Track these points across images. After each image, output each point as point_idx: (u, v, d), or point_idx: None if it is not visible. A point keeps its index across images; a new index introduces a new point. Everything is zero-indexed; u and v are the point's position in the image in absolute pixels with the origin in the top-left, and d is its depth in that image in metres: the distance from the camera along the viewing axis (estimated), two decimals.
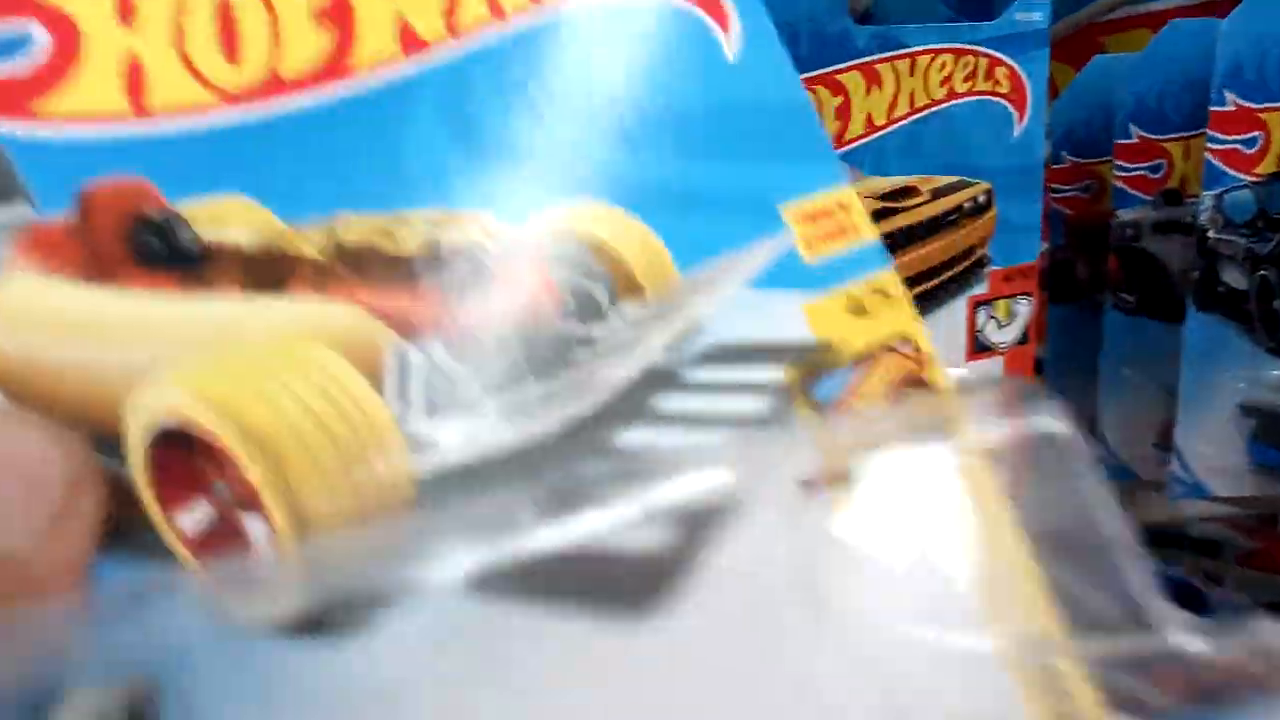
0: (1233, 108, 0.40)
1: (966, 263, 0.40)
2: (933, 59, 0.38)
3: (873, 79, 0.38)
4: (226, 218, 0.15)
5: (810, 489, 0.15)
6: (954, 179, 0.39)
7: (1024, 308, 0.40)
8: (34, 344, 0.14)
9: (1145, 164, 0.47)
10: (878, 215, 0.39)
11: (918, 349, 0.19)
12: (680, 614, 0.14)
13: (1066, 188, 0.52)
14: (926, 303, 0.40)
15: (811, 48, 0.38)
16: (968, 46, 0.38)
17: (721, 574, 0.14)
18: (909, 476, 0.15)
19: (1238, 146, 0.40)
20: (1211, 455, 0.42)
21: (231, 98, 0.16)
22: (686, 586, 0.14)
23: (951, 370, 0.39)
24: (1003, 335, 0.40)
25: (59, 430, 0.13)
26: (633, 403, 0.16)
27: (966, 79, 0.38)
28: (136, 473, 0.14)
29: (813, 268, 0.19)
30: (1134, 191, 0.47)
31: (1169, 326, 0.47)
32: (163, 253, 0.15)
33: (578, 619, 0.13)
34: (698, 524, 0.14)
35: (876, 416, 0.17)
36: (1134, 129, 0.46)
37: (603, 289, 0.17)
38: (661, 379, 0.17)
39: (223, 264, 0.15)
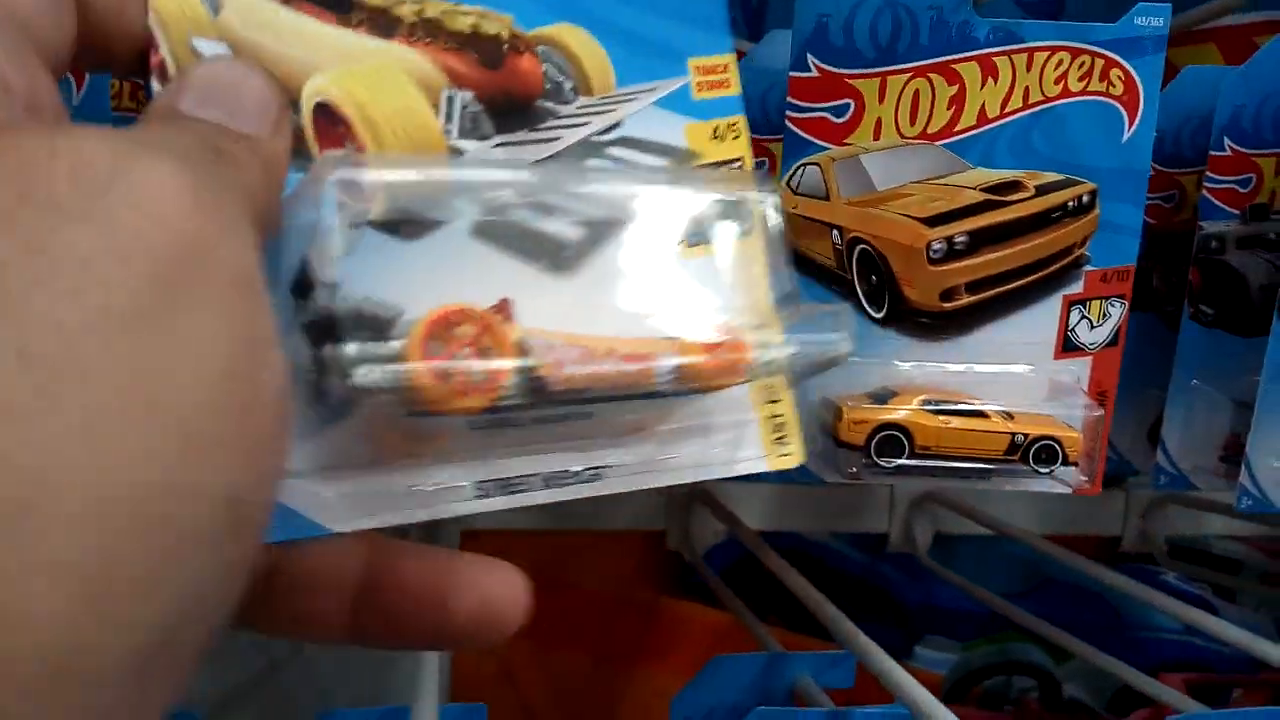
0: None
1: (1065, 261, 0.40)
2: (1050, 55, 0.38)
3: (990, 71, 0.38)
4: None
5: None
6: (1060, 176, 0.39)
7: (1117, 310, 0.40)
8: (253, 39, 0.23)
9: (1235, 177, 0.47)
10: (981, 207, 0.39)
11: (744, 165, 0.28)
12: (588, 270, 0.24)
13: (1149, 196, 0.52)
14: (1022, 297, 0.40)
15: (933, 37, 0.38)
16: (1086, 46, 0.38)
17: (613, 254, 0.25)
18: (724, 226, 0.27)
19: None
20: None
21: None
22: (592, 258, 0.24)
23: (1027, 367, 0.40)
24: (1094, 336, 0.41)
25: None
26: (573, 157, 0.26)
27: (1081, 78, 0.38)
28: (306, 124, 0.23)
29: (696, 102, 0.28)
30: (1221, 204, 0.47)
31: (1245, 341, 0.48)
32: None
33: (531, 266, 0.24)
34: (601, 227, 0.25)
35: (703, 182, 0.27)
36: (1228, 142, 0.46)
37: (569, 82, 0.26)
38: (591, 149, 0.26)
39: (359, 13, 0.24)
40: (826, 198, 0.40)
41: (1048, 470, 0.38)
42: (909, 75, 0.38)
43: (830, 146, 0.39)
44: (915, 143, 0.39)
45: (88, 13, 0.20)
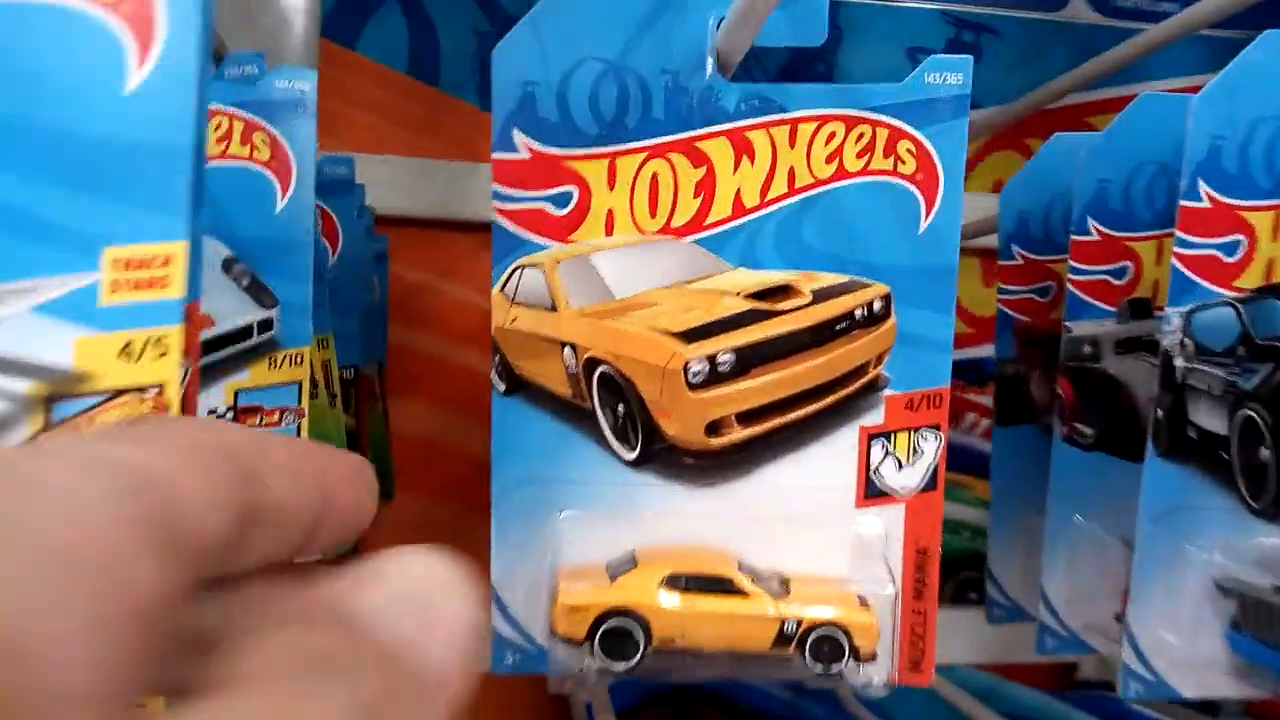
0: (1208, 203, 0.32)
1: (856, 384, 0.31)
2: (819, 127, 0.30)
3: (744, 149, 0.30)
4: None
5: None
6: (843, 278, 0.31)
7: (932, 444, 0.32)
8: None
9: (1107, 266, 0.38)
10: (747, 318, 0.31)
11: (160, 395, 0.21)
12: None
13: (1017, 289, 0.44)
14: (810, 431, 0.31)
15: (670, 108, 0.30)
16: (863, 114, 0.30)
17: None
18: None
19: (1214, 253, 0.32)
20: (1178, 646, 0.33)
21: None
22: None
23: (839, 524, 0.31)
24: (905, 478, 0.32)
25: None
26: None
27: (861, 154, 0.30)
28: None
29: (105, 309, 0.21)
30: (1093, 300, 0.38)
31: (1135, 467, 0.38)
32: None
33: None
34: None
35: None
36: (1093, 223, 0.38)
37: None
38: None
39: None
40: (553, 308, 0.31)
41: (831, 669, 0.29)
42: (644, 155, 0.30)
43: (553, 244, 0.31)
44: (659, 238, 0.31)
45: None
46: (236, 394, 0.35)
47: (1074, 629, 0.39)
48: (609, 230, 0.31)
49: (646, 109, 0.30)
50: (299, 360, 0.35)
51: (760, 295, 0.31)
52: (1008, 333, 0.44)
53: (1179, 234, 0.32)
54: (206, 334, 0.35)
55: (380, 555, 0.16)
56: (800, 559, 0.31)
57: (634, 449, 0.31)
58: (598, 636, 0.29)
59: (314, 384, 0.45)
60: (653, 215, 0.31)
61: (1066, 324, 0.39)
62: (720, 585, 0.29)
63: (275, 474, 0.16)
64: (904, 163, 0.30)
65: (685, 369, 0.31)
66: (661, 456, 0.31)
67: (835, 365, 0.31)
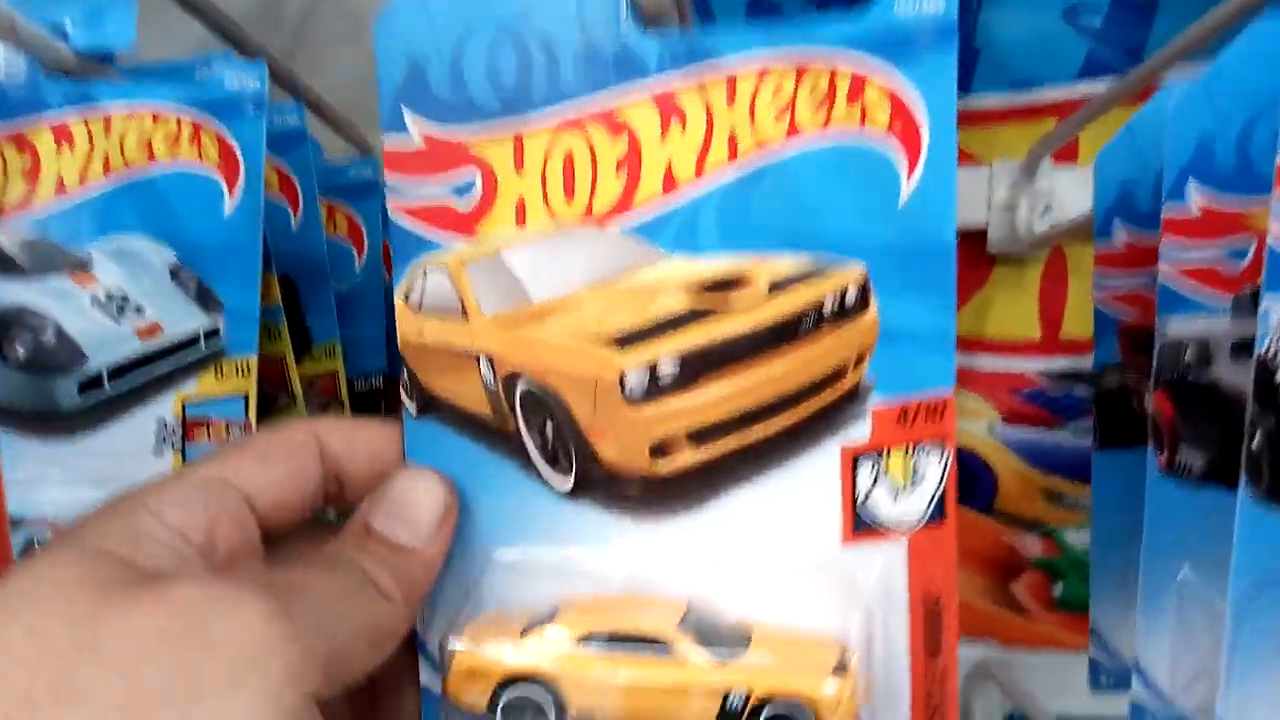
0: None
1: (832, 392, 0.25)
2: (761, 79, 0.24)
3: (672, 112, 0.25)
4: None
5: None
6: (806, 262, 0.25)
7: (935, 465, 0.24)
8: None
9: (1214, 245, 0.29)
10: (689, 318, 0.25)
11: None
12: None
13: (1120, 275, 0.35)
14: (775, 452, 0.25)
15: (579, 70, 0.25)
16: (816, 56, 0.24)
17: None
18: None
19: None
20: None
21: None
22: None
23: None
24: (902, 509, 0.25)
25: None
26: None
27: (817, 107, 0.24)
28: None
29: None
30: (1197, 290, 0.30)
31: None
32: None
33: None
34: None
35: None
36: (1194, 190, 0.29)
37: None
38: None
39: None
40: (464, 316, 0.27)
41: None
42: (554, 129, 0.25)
43: (459, 241, 0.26)
44: (579, 227, 0.26)
45: (345, 491, 0.26)
46: (184, 405, 0.32)
47: (1183, 711, 0.30)
48: (520, 221, 0.26)
49: (553, 73, 0.25)
50: (246, 370, 0.33)
51: (705, 289, 0.25)
52: (1110, 334, 0.36)
53: (1278, 202, 0.23)
54: (155, 343, 0.33)
55: (387, 478, 0.25)
56: (772, 609, 0.25)
57: (568, 477, 0.26)
58: (499, 708, 0.24)
59: (327, 396, 0.43)
60: (569, 200, 0.26)
61: (1168, 319, 0.30)
62: (650, 646, 0.23)
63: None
64: (874, 117, 0.24)
65: (621, 380, 0.25)
66: (601, 485, 0.26)
67: (803, 370, 0.25)
